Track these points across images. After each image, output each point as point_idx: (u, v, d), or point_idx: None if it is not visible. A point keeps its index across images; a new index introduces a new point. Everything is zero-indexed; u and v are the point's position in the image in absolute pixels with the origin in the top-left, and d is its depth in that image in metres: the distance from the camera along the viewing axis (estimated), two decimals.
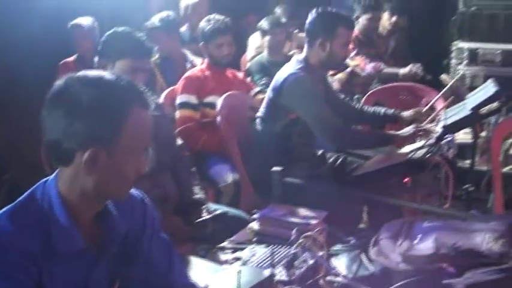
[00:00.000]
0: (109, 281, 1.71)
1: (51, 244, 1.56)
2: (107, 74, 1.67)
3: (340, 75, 5.09)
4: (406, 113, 3.75)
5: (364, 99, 4.42)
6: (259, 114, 3.64)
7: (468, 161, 3.64)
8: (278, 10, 5.89)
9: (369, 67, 5.15)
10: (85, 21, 5.18)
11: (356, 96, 4.57)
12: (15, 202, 1.62)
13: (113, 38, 3.04)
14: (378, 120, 3.93)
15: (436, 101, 3.93)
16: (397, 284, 2.18)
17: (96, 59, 3.06)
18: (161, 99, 3.94)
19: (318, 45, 3.50)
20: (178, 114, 4.05)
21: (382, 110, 3.91)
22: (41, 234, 1.56)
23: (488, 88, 3.31)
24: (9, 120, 5.23)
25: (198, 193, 3.09)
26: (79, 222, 1.63)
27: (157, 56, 4.78)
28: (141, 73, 2.94)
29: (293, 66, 3.55)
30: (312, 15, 3.62)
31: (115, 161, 1.59)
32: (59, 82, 1.63)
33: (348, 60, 4.94)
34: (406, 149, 3.41)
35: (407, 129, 3.44)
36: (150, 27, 4.84)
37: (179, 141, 3.34)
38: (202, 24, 4.25)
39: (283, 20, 5.35)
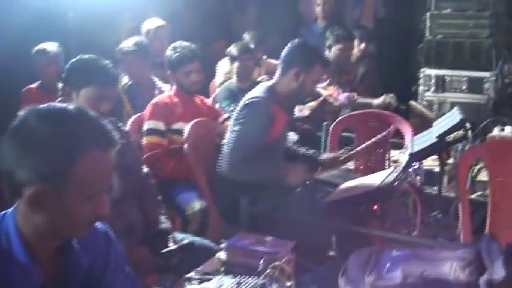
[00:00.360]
0: None
1: (8, 279, 1.53)
2: (71, 110, 1.62)
3: (312, 103, 5.13)
4: (323, 157, 3.82)
5: (332, 126, 4.42)
6: (224, 141, 3.64)
7: (436, 188, 3.66)
8: (246, 36, 5.90)
9: (342, 97, 5.22)
10: (50, 46, 5.14)
11: (325, 123, 4.57)
12: None
13: (78, 65, 3.02)
14: (299, 160, 3.90)
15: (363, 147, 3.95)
16: None
17: (59, 85, 3.05)
18: (128, 126, 3.93)
19: (292, 75, 3.53)
20: (145, 140, 4.04)
21: (303, 151, 3.96)
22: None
23: (454, 116, 3.35)
24: None
25: (165, 222, 3.06)
26: (38, 256, 1.60)
27: (125, 81, 4.77)
28: (106, 101, 2.93)
29: (258, 91, 3.57)
30: (293, 44, 3.66)
31: (63, 203, 1.55)
32: (21, 112, 1.60)
33: (320, 90, 4.99)
34: (376, 176, 3.43)
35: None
36: (125, 50, 4.80)
37: (145, 169, 3.32)
38: (169, 52, 4.26)
39: (252, 46, 5.37)
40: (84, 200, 1.58)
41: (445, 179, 3.82)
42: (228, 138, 3.53)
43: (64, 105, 1.66)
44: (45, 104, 1.63)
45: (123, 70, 4.79)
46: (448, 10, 5.39)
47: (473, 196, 3.87)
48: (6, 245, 1.57)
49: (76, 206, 1.57)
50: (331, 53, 5.52)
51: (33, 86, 5.16)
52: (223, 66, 5.70)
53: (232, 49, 5.20)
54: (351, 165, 4.30)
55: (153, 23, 5.63)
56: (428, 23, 5.41)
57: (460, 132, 3.28)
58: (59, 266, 1.67)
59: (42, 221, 1.57)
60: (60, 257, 1.68)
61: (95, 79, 2.93)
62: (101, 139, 1.60)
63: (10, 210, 1.63)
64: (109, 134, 1.63)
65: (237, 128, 3.49)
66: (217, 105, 4.73)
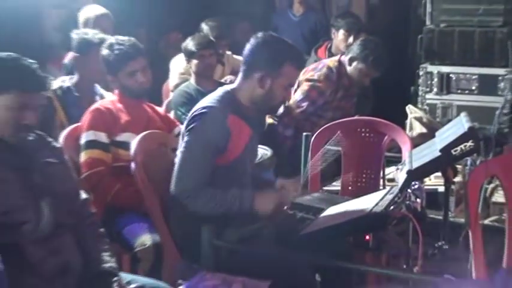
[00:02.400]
0: None
1: None
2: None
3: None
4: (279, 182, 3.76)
5: (314, 137, 4.43)
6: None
7: (441, 213, 3.68)
8: (205, 26, 5.88)
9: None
10: None
11: (304, 134, 4.57)
12: None
13: None
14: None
15: None
16: None
17: None
18: (60, 141, 3.89)
19: (256, 80, 3.45)
20: (83, 156, 3.95)
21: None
22: None
23: (461, 124, 3.36)
24: None
25: (109, 261, 3.01)
26: None
27: (57, 85, 4.71)
28: (31, 110, 2.86)
29: (214, 97, 3.52)
30: (256, 41, 3.54)
31: None
32: None
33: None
34: (368, 199, 3.45)
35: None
36: (87, 40, 4.72)
37: (83, 195, 3.26)
38: (105, 51, 4.20)
39: (212, 38, 5.35)
40: None
41: (452, 201, 3.86)
42: (176, 160, 3.48)
43: None
44: None
45: (78, 66, 4.72)
46: None
47: (487, 221, 3.91)
48: None
49: None
50: (352, 68, 5.35)
51: None
52: (178, 65, 5.67)
53: (189, 43, 5.18)
54: (337, 185, 4.33)
55: (93, 10, 5.59)
56: (429, 8, 5.40)
57: (469, 144, 3.29)
58: None
59: None
60: None
61: (14, 84, 2.85)
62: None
63: None
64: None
65: (182, 148, 3.45)
66: (171, 114, 4.71)
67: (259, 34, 3.51)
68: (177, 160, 3.45)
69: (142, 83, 4.18)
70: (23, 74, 2.87)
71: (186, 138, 3.45)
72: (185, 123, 3.57)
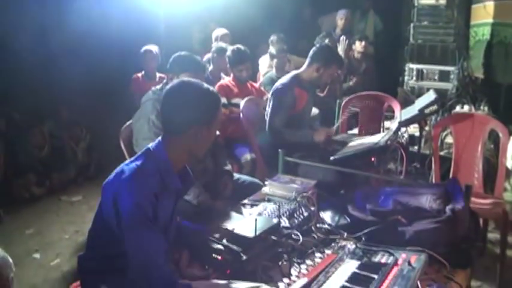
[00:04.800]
0: None
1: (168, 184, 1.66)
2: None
3: None
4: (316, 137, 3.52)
5: (343, 103, 4.37)
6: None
7: (416, 147, 3.62)
8: (273, 38, 5.66)
9: None
10: (153, 48, 5.14)
11: (338, 101, 4.51)
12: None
13: (178, 58, 2.98)
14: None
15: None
16: (366, 230, 2.19)
17: (158, 75, 2.98)
18: None
19: (315, 68, 3.46)
20: None
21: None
22: None
23: (430, 95, 3.30)
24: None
25: (227, 166, 3.05)
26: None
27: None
28: None
29: (287, 78, 3.53)
30: (320, 45, 3.62)
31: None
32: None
33: None
34: (374, 137, 3.40)
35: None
36: (221, 47, 4.74)
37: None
38: (229, 53, 4.21)
39: (285, 47, 5.29)
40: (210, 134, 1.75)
41: (423, 140, 3.79)
42: (266, 112, 3.52)
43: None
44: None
45: (214, 61, 4.76)
46: (425, 22, 5.26)
47: (442, 153, 3.84)
48: (162, 162, 1.67)
49: (206, 138, 1.73)
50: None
51: (139, 74, 5.16)
52: (265, 61, 5.64)
53: (272, 49, 5.16)
54: (355, 131, 4.27)
55: (220, 31, 5.59)
56: (411, 32, 5.29)
57: (435, 107, 3.22)
58: None
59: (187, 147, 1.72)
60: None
61: (189, 67, 2.91)
62: None
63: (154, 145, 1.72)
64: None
65: (270, 107, 3.48)
66: (262, 88, 4.70)
67: (323, 43, 3.52)
68: (266, 114, 3.47)
69: (245, 77, 4.18)
70: (193, 62, 2.97)
71: (271, 102, 3.47)
72: (270, 93, 3.58)
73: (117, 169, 1.63)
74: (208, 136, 1.70)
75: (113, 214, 1.56)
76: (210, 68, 4.77)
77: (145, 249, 1.55)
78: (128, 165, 1.63)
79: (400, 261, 1.72)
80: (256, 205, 2.54)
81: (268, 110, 3.50)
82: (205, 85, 1.75)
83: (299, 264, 1.75)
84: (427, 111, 3.22)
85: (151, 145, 1.72)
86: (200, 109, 1.68)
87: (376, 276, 1.63)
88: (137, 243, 1.54)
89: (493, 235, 3.66)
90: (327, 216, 2.44)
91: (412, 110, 3.35)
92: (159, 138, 1.74)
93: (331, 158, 3.12)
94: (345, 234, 2.16)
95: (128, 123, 3.08)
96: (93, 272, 1.69)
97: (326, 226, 2.32)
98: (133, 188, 1.54)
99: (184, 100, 1.68)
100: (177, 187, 1.70)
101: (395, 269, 1.67)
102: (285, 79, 3.55)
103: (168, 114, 1.71)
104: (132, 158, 1.70)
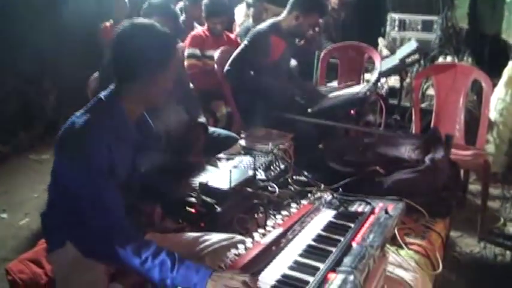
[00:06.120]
0: None
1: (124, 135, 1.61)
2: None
3: None
4: None
5: (322, 55, 4.33)
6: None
7: (396, 99, 3.62)
8: None
9: None
10: None
11: (317, 53, 4.48)
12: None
13: (150, 2, 2.98)
14: None
15: None
16: (343, 181, 2.22)
17: None
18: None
19: (294, 16, 3.33)
20: (186, 62, 3.96)
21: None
22: None
23: (412, 44, 3.29)
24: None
25: (202, 119, 3.01)
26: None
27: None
28: None
29: (264, 25, 3.41)
30: None
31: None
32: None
33: None
34: (353, 89, 3.40)
35: None
36: None
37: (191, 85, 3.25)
38: (204, 2, 4.13)
39: None
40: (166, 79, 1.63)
41: (403, 92, 3.80)
42: (235, 52, 3.42)
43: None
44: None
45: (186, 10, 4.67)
46: None
47: (423, 105, 3.86)
48: (116, 113, 1.62)
49: (161, 84, 1.61)
50: None
51: (108, 24, 4.91)
52: (241, 11, 5.53)
53: None
54: (335, 83, 4.26)
55: None
56: None
57: (416, 57, 3.21)
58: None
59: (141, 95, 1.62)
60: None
61: (159, 11, 2.87)
62: None
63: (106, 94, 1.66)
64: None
65: (241, 47, 3.38)
66: (238, 39, 4.62)
67: None
68: (235, 52, 3.39)
69: (220, 30, 4.11)
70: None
71: (244, 44, 3.39)
72: (246, 37, 3.50)
73: (68, 122, 1.57)
74: (164, 82, 1.60)
75: (66, 170, 1.53)
76: (183, 17, 4.66)
77: (102, 205, 1.53)
78: (79, 117, 1.56)
79: (377, 210, 1.74)
80: (232, 159, 2.54)
81: (236, 50, 3.39)
82: (159, 26, 1.64)
83: (275, 215, 1.76)
84: (408, 60, 3.22)
85: (102, 94, 1.64)
86: (153, 52, 1.57)
87: (352, 225, 1.65)
88: (93, 199, 1.52)
89: (474, 187, 3.75)
90: (303, 168, 2.46)
91: (392, 60, 3.35)
92: (111, 86, 1.67)
93: (309, 110, 3.11)
94: (322, 186, 2.18)
95: (95, 74, 3.02)
96: (57, 229, 1.68)
97: (303, 178, 2.34)
98: (85, 142, 1.50)
99: (136, 43, 1.56)
100: (133, 137, 1.65)
101: (372, 217, 1.69)
102: (262, 26, 3.47)
103: (118, 59, 1.60)
104: (83, 109, 1.61)
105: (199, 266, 1.43)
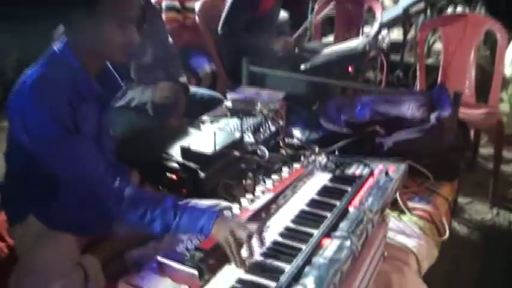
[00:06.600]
0: None
1: (78, 88, 1.55)
2: None
3: None
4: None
5: (316, 8, 4.29)
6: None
7: (399, 55, 3.62)
8: None
9: None
10: None
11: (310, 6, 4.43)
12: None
13: None
14: None
15: None
16: (340, 143, 2.24)
17: None
18: None
19: None
20: (164, 16, 3.90)
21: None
22: None
23: None
24: None
25: (183, 78, 2.99)
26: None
27: None
28: None
29: None
30: None
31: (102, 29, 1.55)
32: None
33: None
34: (351, 43, 3.39)
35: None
36: None
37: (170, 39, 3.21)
38: None
39: None
40: (115, 27, 1.53)
41: (407, 47, 3.80)
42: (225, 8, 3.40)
43: None
44: None
45: None
46: None
47: (429, 61, 3.86)
48: (72, 66, 1.56)
49: (110, 32, 1.52)
50: None
51: None
52: None
53: None
54: (331, 37, 4.24)
55: None
56: None
57: (421, 6, 3.21)
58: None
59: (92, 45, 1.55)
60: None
61: None
62: None
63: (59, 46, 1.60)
64: None
65: (228, 3, 3.35)
66: None
67: None
68: (225, 7, 3.37)
69: None
70: None
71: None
72: None
73: (19, 80, 1.54)
74: (118, 33, 1.56)
75: (23, 134, 1.51)
76: None
77: (76, 163, 1.52)
78: (32, 74, 1.54)
79: (376, 172, 1.77)
80: (217, 121, 2.54)
81: (225, 8, 3.39)
82: None
83: (264, 181, 1.78)
84: (412, 11, 3.22)
85: (56, 47, 1.59)
86: None
87: (349, 189, 1.67)
88: (64, 160, 1.50)
89: (486, 149, 3.78)
90: (296, 130, 2.48)
91: (395, 10, 3.34)
92: (64, 38, 1.60)
93: (302, 66, 3.10)
94: (316, 149, 2.19)
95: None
96: (17, 201, 1.67)
97: (295, 141, 2.35)
98: (41, 100, 1.47)
99: None
100: (95, 93, 1.62)
101: (370, 180, 1.71)
102: None
103: (62, 6, 1.58)
104: (34, 65, 1.57)
105: (203, 209, 1.46)
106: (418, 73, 3.57)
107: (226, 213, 1.52)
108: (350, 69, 3.49)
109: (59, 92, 1.49)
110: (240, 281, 1.26)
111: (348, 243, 1.36)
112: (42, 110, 1.45)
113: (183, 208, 1.47)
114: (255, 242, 1.36)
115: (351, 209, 1.54)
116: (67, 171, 1.52)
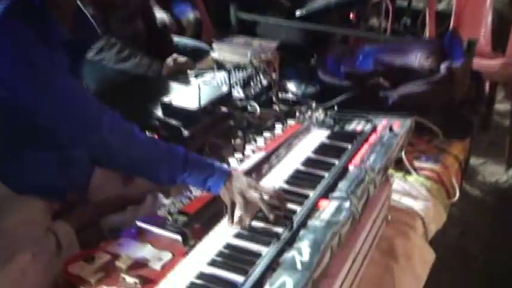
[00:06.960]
0: None
1: (45, 32, 1.49)
2: None
3: None
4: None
5: None
6: None
7: (406, 0, 3.58)
8: None
9: None
10: None
11: None
12: None
13: None
14: None
15: None
16: (339, 98, 2.22)
17: None
18: None
19: None
20: None
21: None
22: None
23: None
24: None
25: (163, 20, 2.96)
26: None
27: None
28: None
29: None
30: None
31: None
32: None
33: None
34: None
35: None
36: None
37: None
38: None
39: None
40: None
41: None
42: None
43: None
44: None
45: None
46: None
47: (439, 7, 3.82)
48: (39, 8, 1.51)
49: None
50: None
51: None
52: None
53: None
54: None
55: None
56: None
57: None
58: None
59: None
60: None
61: None
62: None
63: None
64: None
65: None
66: None
67: None
68: None
69: None
70: None
71: None
72: None
73: None
74: None
75: None
76: None
77: (67, 98, 1.48)
78: None
79: (379, 128, 1.76)
80: (202, 74, 2.52)
81: None
82: None
83: (255, 139, 1.77)
84: None
85: None
86: None
87: (349, 146, 1.66)
88: (51, 96, 1.46)
89: (503, 105, 3.78)
90: (291, 84, 2.46)
91: None
92: None
93: (297, 12, 3.07)
94: (313, 104, 2.18)
95: None
96: None
97: (290, 96, 2.34)
98: (5, 38, 1.43)
99: None
100: (60, 37, 1.58)
101: (373, 137, 1.70)
102: None
103: None
104: None
105: (214, 168, 1.44)
106: (427, 20, 3.53)
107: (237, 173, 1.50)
108: (351, 15, 3.46)
109: (25, 32, 1.45)
110: (229, 246, 1.26)
111: (347, 204, 1.35)
112: (12, 50, 1.42)
113: (194, 161, 1.46)
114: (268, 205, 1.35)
115: (351, 167, 1.54)
116: (56, 114, 1.47)
